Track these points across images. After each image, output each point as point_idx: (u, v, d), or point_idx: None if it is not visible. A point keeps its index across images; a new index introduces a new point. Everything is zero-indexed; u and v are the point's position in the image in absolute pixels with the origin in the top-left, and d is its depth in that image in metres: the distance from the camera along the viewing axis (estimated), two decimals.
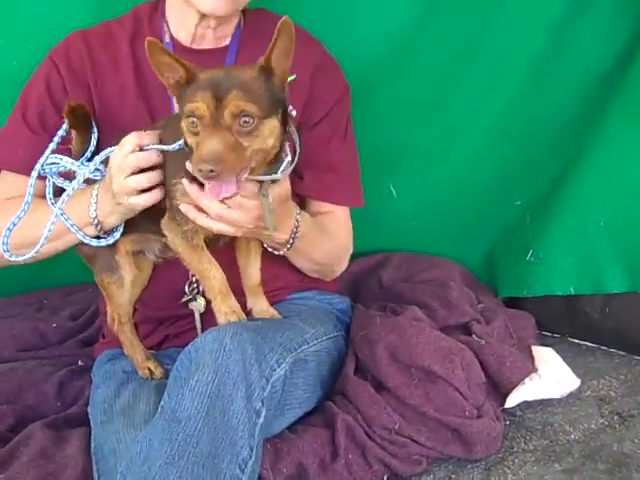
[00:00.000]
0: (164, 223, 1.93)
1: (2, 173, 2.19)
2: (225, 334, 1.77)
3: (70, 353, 2.59)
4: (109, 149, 1.95)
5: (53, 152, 2.04)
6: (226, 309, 1.91)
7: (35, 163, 2.03)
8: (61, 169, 2.02)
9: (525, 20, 2.50)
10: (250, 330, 1.82)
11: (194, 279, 2.15)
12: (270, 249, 2.07)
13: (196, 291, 2.16)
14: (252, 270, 2.07)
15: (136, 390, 2.05)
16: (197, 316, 2.18)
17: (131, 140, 1.88)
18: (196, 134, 1.69)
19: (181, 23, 2.14)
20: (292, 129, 1.85)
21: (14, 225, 1.99)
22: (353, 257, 2.74)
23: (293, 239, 2.01)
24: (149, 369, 2.13)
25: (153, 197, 1.91)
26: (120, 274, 2.07)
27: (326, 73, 2.22)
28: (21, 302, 2.88)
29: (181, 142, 1.82)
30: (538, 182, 2.68)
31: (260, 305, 2.09)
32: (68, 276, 2.89)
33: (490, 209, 2.76)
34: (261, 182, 1.80)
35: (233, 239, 2.03)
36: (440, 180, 2.73)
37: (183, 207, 1.85)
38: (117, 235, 2.02)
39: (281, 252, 2.07)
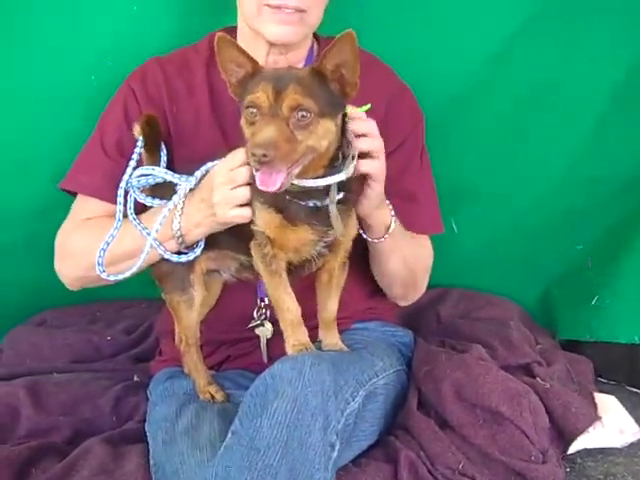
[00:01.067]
0: (252, 246, 1.92)
1: (79, 197, 2.21)
2: (304, 363, 1.75)
3: (124, 368, 2.59)
4: (210, 163, 1.95)
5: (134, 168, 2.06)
6: (295, 342, 1.90)
7: (113, 189, 2.06)
8: (151, 181, 2.02)
9: (595, 72, 2.52)
10: (327, 361, 1.81)
11: (262, 304, 2.16)
12: (365, 236, 2.07)
13: (264, 317, 2.16)
14: (330, 304, 2.05)
15: (199, 412, 2.03)
16: (263, 341, 2.18)
17: (243, 152, 1.87)
18: (253, 124, 1.72)
19: (253, 51, 2.12)
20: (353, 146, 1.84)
21: (108, 245, 2.01)
22: None
23: (385, 237, 2.05)
24: (210, 393, 2.12)
25: (250, 212, 1.89)
26: (191, 294, 2.05)
27: (400, 101, 2.23)
28: (75, 313, 2.88)
29: None
30: (600, 227, 2.70)
31: (331, 339, 2.07)
32: (122, 290, 2.88)
33: (550, 252, 2.77)
34: (327, 192, 1.81)
35: (317, 269, 2.02)
36: (502, 220, 2.73)
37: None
38: (198, 251, 2.01)
39: (380, 239, 2.07)
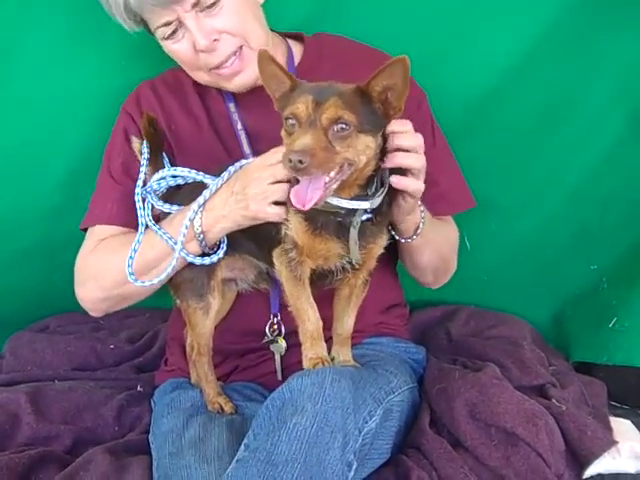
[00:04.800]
0: (276, 253, 1.90)
1: (91, 228, 2.20)
2: (324, 379, 1.72)
3: (127, 377, 2.55)
4: (244, 160, 1.97)
5: (145, 174, 2.07)
6: (313, 355, 1.86)
7: (126, 213, 2.08)
8: (172, 183, 2.03)
9: (613, 89, 2.51)
10: (347, 377, 1.77)
11: (275, 320, 2.13)
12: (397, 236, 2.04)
13: (277, 332, 2.13)
14: (347, 319, 2.02)
15: (206, 424, 1.98)
16: (277, 358, 2.14)
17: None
18: (292, 134, 1.70)
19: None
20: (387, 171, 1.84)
21: (135, 252, 2.01)
22: (422, 305, 2.75)
23: (418, 233, 2.02)
24: (220, 404, 2.08)
25: (284, 212, 1.87)
26: (208, 301, 2.02)
27: (421, 106, 2.22)
28: (77, 321, 2.82)
29: None
30: (616, 247, 2.65)
31: (344, 355, 2.03)
32: None
33: (563, 271, 2.73)
34: (353, 212, 1.79)
35: (341, 282, 1.99)
36: (515, 237, 2.71)
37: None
38: (221, 253, 1.99)
39: (410, 239, 2.04)
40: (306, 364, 1.87)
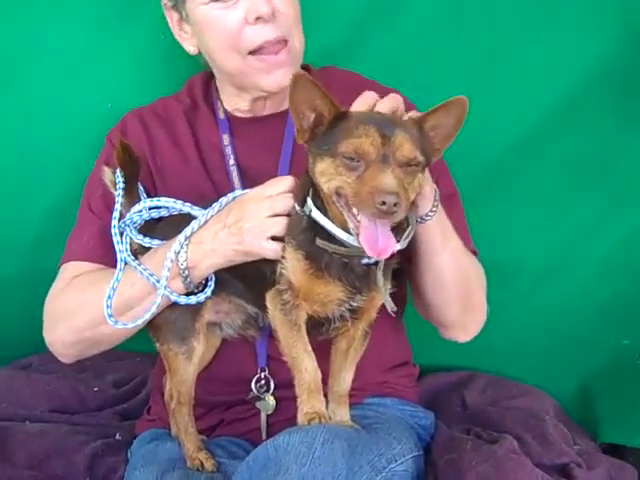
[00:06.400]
0: (270, 295, 1.73)
1: (65, 265, 2.06)
2: (315, 438, 1.53)
3: (107, 423, 2.35)
4: (239, 191, 1.84)
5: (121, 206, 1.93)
6: (309, 409, 1.66)
7: (102, 247, 1.95)
8: (154, 214, 1.89)
9: None
10: (342, 439, 1.57)
11: (263, 375, 1.95)
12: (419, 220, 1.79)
13: (264, 388, 1.95)
14: (345, 375, 1.83)
15: None
16: (263, 417, 1.96)
17: (288, 182, 1.74)
18: (353, 170, 1.53)
19: (238, 96, 2.05)
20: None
21: (114, 291, 1.84)
22: (432, 370, 2.55)
23: (435, 207, 1.78)
24: (200, 460, 1.88)
25: (282, 248, 1.71)
26: (192, 345, 1.85)
27: None
28: None
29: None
30: None
31: (341, 415, 1.83)
32: None
33: (592, 343, 2.53)
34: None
35: (335, 336, 1.82)
36: (540, 302, 2.54)
37: None
38: (209, 292, 1.82)
39: (427, 222, 1.79)
40: (301, 419, 1.67)
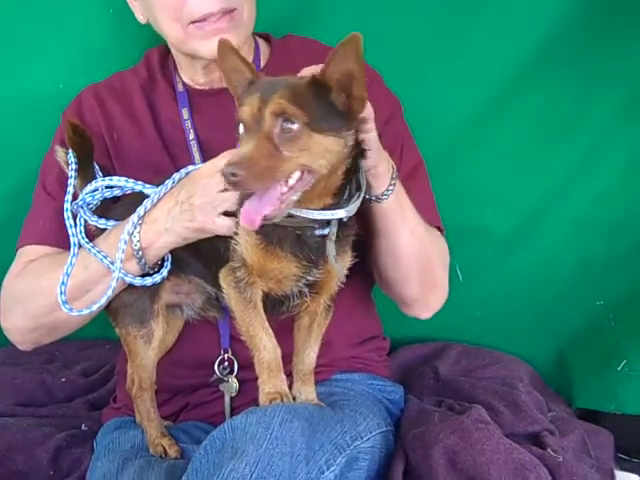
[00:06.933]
0: (223, 273, 1.68)
1: (21, 249, 2.02)
2: (273, 418, 1.48)
3: (75, 414, 2.29)
4: (191, 166, 1.76)
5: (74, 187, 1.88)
6: (270, 389, 1.62)
7: (60, 229, 1.88)
8: (108, 194, 1.84)
9: (624, 105, 2.34)
10: (302, 418, 1.53)
11: (226, 356, 1.91)
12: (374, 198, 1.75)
13: (228, 370, 1.90)
14: (309, 352, 1.78)
15: (143, 469, 1.73)
16: (227, 399, 1.91)
17: None
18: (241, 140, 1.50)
19: (191, 67, 2.00)
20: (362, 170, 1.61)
21: (68, 276, 1.79)
22: (407, 342, 2.51)
23: (392, 184, 1.73)
24: (163, 447, 1.84)
25: (234, 224, 1.66)
26: (151, 328, 1.81)
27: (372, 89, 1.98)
28: (31, 351, 2.54)
29: None
30: (626, 282, 2.42)
31: (307, 394, 1.78)
32: (85, 329, 2.61)
33: (565, 307, 2.49)
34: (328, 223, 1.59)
35: (300, 309, 1.76)
36: (513, 268, 2.49)
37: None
38: (165, 272, 1.78)
39: (383, 202, 1.75)
40: (262, 399, 1.62)
